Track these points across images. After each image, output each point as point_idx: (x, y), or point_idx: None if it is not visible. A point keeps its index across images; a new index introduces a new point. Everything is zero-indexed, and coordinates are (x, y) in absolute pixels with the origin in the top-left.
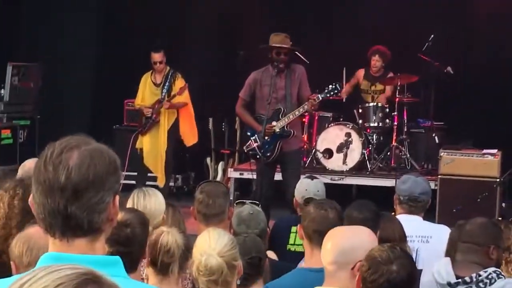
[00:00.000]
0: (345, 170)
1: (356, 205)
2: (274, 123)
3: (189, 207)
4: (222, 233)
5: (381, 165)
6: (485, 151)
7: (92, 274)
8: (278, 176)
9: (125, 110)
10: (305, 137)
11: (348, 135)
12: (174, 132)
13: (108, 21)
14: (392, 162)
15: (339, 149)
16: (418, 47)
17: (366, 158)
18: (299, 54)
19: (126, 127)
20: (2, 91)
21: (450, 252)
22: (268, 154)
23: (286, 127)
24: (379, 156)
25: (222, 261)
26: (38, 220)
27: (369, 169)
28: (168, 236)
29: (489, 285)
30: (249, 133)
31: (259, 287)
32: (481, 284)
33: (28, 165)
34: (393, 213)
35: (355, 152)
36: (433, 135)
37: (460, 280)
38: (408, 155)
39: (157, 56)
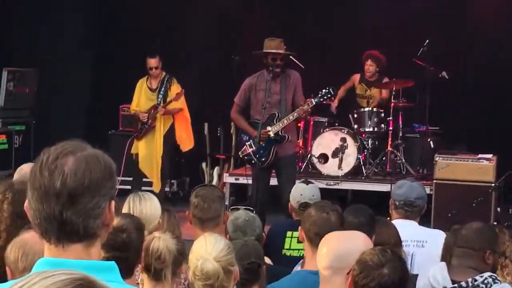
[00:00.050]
0: (340, 175)
1: (352, 209)
2: (268, 128)
3: (184, 212)
4: (219, 238)
5: (376, 170)
6: (480, 156)
7: (87, 280)
8: (273, 181)
9: (121, 115)
10: (300, 142)
11: (343, 140)
12: (169, 137)
13: (108, 21)
14: (388, 167)
15: (335, 154)
16: (418, 48)
17: (362, 163)
18: (294, 59)
19: (121, 132)
20: None
21: (446, 256)
22: (263, 159)
23: (281, 132)
24: (375, 161)
25: (219, 266)
26: (34, 225)
27: (365, 174)
28: (158, 242)
29: None
30: (244, 139)
31: None
32: None
33: (24, 169)
34: (388, 218)
35: (351, 157)
36: (428, 140)
37: (456, 285)
38: (404, 160)
39: (153, 62)
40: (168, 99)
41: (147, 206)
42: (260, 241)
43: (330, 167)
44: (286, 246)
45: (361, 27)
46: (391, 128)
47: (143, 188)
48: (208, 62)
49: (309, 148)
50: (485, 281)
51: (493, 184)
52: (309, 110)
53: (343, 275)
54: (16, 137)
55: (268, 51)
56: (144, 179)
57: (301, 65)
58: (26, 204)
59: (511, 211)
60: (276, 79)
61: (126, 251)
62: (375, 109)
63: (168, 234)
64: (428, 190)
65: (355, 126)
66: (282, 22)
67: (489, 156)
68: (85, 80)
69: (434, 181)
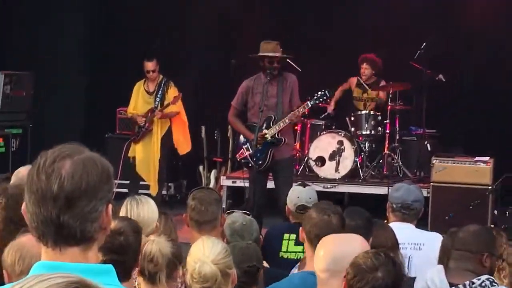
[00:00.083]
0: (337, 178)
1: (349, 212)
2: (265, 131)
3: (181, 215)
4: (216, 242)
5: (373, 173)
6: (477, 158)
7: (83, 283)
8: (270, 184)
9: (118, 118)
10: (297, 145)
11: (340, 143)
12: (167, 141)
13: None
14: (385, 170)
15: (332, 157)
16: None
17: (359, 166)
18: (290, 62)
19: (118, 136)
20: None
21: (443, 259)
22: (260, 162)
23: (277, 135)
24: (372, 164)
25: (216, 269)
26: (31, 228)
27: (362, 177)
28: (152, 245)
29: None
30: (242, 142)
31: None
32: None
33: (22, 172)
34: (385, 221)
35: (348, 160)
36: (425, 142)
37: (453, 287)
38: (401, 163)
39: (150, 65)
40: (166, 103)
41: (144, 209)
42: (258, 245)
43: (327, 170)
44: (283, 248)
45: (361, 27)
46: (388, 131)
47: (140, 191)
48: (208, 62)
49: (306, 151)
50: (483, 284)
51: (490, 187)
52: (304, 113)
53: (340, 278)
54: (13, 141)
55: (264, 54)
56: (141, 182)
57: (298, 68)
58: (23, 207)
59: (508, 213)
60: (272, 82)
61: (123, 254)
62: (372, 112)
63: (163, 237)
64: (425, 193)
65: (352, 129)
66: (282, 22)
67: (486, 158)
68: (82, 83)
69: (431, 184)
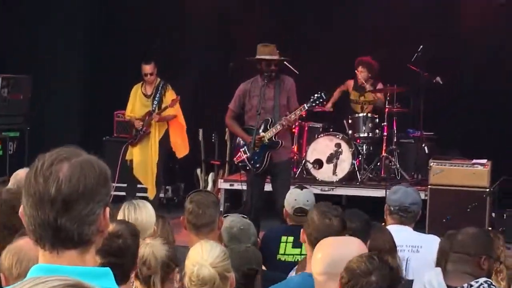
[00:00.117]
0: (335, 180)
1: (347, 214)
2: (262, 133)
3: (179, 218)
4: (215, 245)
5: (371, 176)
6: (474, 161)
7: (80, 286)
8: (268, 187)
9: (115, 121)
10: (295, 147)
11: (338, 145)
12: (164, 144)
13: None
14: (382, 173)
15: (329, 159)
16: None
17: (356, 168)
18: (288, 65)
19: (116, 139)
20: None
21: (441, 262)
22: (258, 165)
23: (275, 137)
24: (369, 166)
25: (215, 272)
26: (28, 232)
27: (359, 180)
28: (145, 248)
29: None
30: (239, 145)
31: None
32: None
33: (20, 175)
34: (383, 224)
35: (345, 163)
36: (423, 145)
37: None
38: (398, 165)
39: (147, 68)
40: (163, 106)
41: (142, 214)
42: (256, 248)
43: (324, 173)
44: (281, 251)
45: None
46: (385, 133)
47: (138, 194)
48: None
49: (304, 154)
50: (481, 287)
51: (487, 189)
52: (301, 115)
53: (337, 281)
54: (11, 144)
55: (262, 57)
56: (139, 185)
57: (295, 70)
58: (20, 210)
59: (505, 216)
60: (270, 85)
61: (122, 257)
62: (369, 115)
63: (158, 240)
64: (423, 196)
65: (350, 132)
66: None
67: (484, 161)
68: (80, 86)
69: (429, 186)
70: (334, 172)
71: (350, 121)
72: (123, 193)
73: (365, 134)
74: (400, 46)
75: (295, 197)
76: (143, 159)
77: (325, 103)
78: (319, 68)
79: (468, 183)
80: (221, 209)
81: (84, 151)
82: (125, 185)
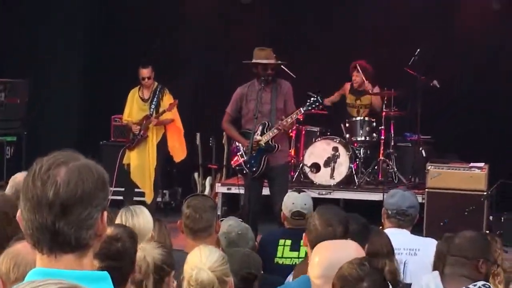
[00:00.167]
0: (332, 184)
1: None
2: (259, 137)
3: (176, 223)
4: (214, 250)
5: (368, 179)
6: (472, 164)
7: None
8: (266, 191)
9: (112, 125)
10: (292, 151)
11: (335, 149)
12: (162, 148)
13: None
14: (380, 176)
15: (327, 163)
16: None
17: (354, 172)
18: (285, 68)
19: (113, 143)
20: None
21: (438, 265)
22: (254, 169)
23: (272, 141)
24: (367, 170)
25: (213, 276)
26: (26, 236)
27: (357, 183)
28: (137, 253)
29: None
30: (236, 148)
31: None
32: None
33: (19, 178)
34: (381, 227)
35: (343, 166)
36: (420, 148)
37: None
38: (395, 169)
39: (145, 72)
40: (161, 110)
41: (139, 220)
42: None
43: (322, 177)
44: (279, 254)
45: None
46: (382, 137)
47: (135, 198)
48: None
49: (301, 158)
50: None
51: (485, 193)
52: (293, 122)
53: None
54: (8, 148)
55: (258, 61)
56: (136, 190)
57: (292, 74)
58: (18, 214)
59: (503, 219)
60: (266, 89)
61: (120, 260)
62: (366, 118)
63: (152, 244)
64: (420, 199)
65: (347, 135)
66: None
67: (481, 164)
68: (80, 86)
69: (426, 190)
70: (332, 176)
71: (347, 124)
72: (121, 197)
73: (363, 138)
74: (400, 46)
75: (293, 201)
76: (141, 163)
77: (321, 106)
78: (319, 68)
79: (466, 187)
80: (219, 213)
81: (82, 156)
82: (123, 189)
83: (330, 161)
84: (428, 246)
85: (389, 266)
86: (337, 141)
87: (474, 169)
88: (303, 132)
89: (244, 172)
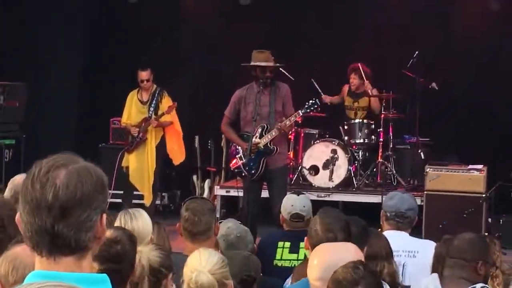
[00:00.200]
0: (331, 186)
1: None
2: (257, 140)
3: (175, 225)
4: (213, 253)
5: (367, 182)
6: (470, 166)
7: None
8: (265, 193)
9: (111, 128)
10: (291, 154)
11: (334, 151)
12: (160, 150)
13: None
14: (378, 178)
15: (325, 165)
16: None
17: (352, 174)
18: (283, 71)
19: (112, 146)
20: None
21: (437, 267)
22: (253, 172)
23: (270, 143)
24: (365, 172)
25: (213, 279)
26: (25, 238)
27: (355, 186)
28: None
29: None
30: (235, 151)
31: None
32: None
33: (18, 180)
34: (379, 230)
35: (341, 169)
36: (419, 151)
37: None
38: (394, 171)
39: (144, 74)
40: (160, 112)
41: (138, 223)
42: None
43: (321, 179)
44: (278, 256)
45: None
46: (381, 139)
47: (134, 201)
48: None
49: (300, 160)
50: None
51: (483, 195)
52: (292, 124)
53: None
54: (6, 151)
55: (257, 63)
56: (135, 192)
57: (291, 77)
58: (17, 216)
59: (502, 221)
60: (265, 91)
61: (120, 262)
62: (365, 121)
63: (149, 247)
64: (419, 201)
65: (346, 138)
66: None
67: (480, 166)
68: (80, 86)
69: (425, 192)
70: (330, 178)
71: (346, 127)
72: (119, 200)
73: (361, 140)
74: (400, 45)
75: (292, 203)
76: (139, 165)
77: (319, 109)
78: (320, 67)
79: (464, 189)
80: (218, 215)
81: (81, 158)
82: (121, 192)
83: (329, 164)
84: (427, 248)
85: (388, 268)
86: (336, 144)
87: (473, 171)
88: (302, 135)
89: (243, 174)
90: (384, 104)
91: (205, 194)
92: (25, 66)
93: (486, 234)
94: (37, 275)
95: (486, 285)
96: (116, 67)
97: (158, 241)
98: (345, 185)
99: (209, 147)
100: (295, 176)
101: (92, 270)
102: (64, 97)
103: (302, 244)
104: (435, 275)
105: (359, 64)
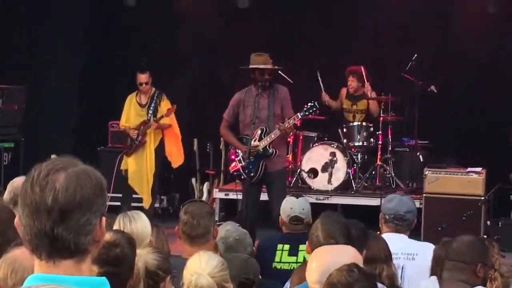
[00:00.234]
0: (330, 189)
1: None
2: (256, 143)
3: (174, 228)
4: (213, 256)
5: (366, 184)
6: (469, 169)
7: None
8: (264, 196)
9: (110, 131)
10: (290, 156)
11: (332, 154)
12: (159, 153)
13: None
14: (377, 181)
15: (324, 168)
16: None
17: (351, 177)
18: (282, 74)
19: (111, 149)
20: None
21: (436, 269)
22: (252, 175)
23: (269, 146)
24: (364, 175)
25: (213, 282)
26: (24, 241)
27: (354, 188)
28: None
29: None
30: (235, 154)
31: None
32: None
33: (17, 182)
34: (378, 232)
35: (340, 172)
36: (418, 153)
37: None
38: (393, 174)
39: (143, 77)
40: (158, 115)
41: (137, 226)
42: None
43: (319, 182)
44: (277, 259)
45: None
46: (380, 142)
47: (133, 204)
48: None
49: (299, 163)
50: None
51: (482, 198)
52: (291, 127)
53: None
54: (5, 155)
55: (255, 66)
56: (134, 195)
57: (289, 79)
58: (16, 220)
59: (501, 224)
60: (264, 94)
61: (119, 266)
62: (364, 124)
63: (147, 249)
64: (417, 204)
65: (345, 141)
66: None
67: (478, 169)
68: (80, 86)
69: (424, 195)
70: (329, 181)
71: (344, 130)
72: (118, 203)
73: (360, 143)
74: (400, 46)
75: (291, 206)
76: (138, 168)
77: (317, 112)
78: (320, 68)
79: (463, 192)
80: (216, 218)
81: (80, 161)
82: (120, 195)
83: (328, 167)
84: (425, 250)
85: (387, 271)
86: (335, 147)
87: (472, 174)
88: (301, 138)
89: (242, 177)
90: (383, 107)
91: (204, 197)
92: (25, 66)
93: (485, 236)
94: (36, 278)
95: None
96: (116, 67)
97: (157, 244)
98: (344, 188)
99: (208, 150)
100: (294, 179)
101: (91, 273)
102: (64, 97)
103: (301, 247)
104: (434, 277)
105: (361, 67)
